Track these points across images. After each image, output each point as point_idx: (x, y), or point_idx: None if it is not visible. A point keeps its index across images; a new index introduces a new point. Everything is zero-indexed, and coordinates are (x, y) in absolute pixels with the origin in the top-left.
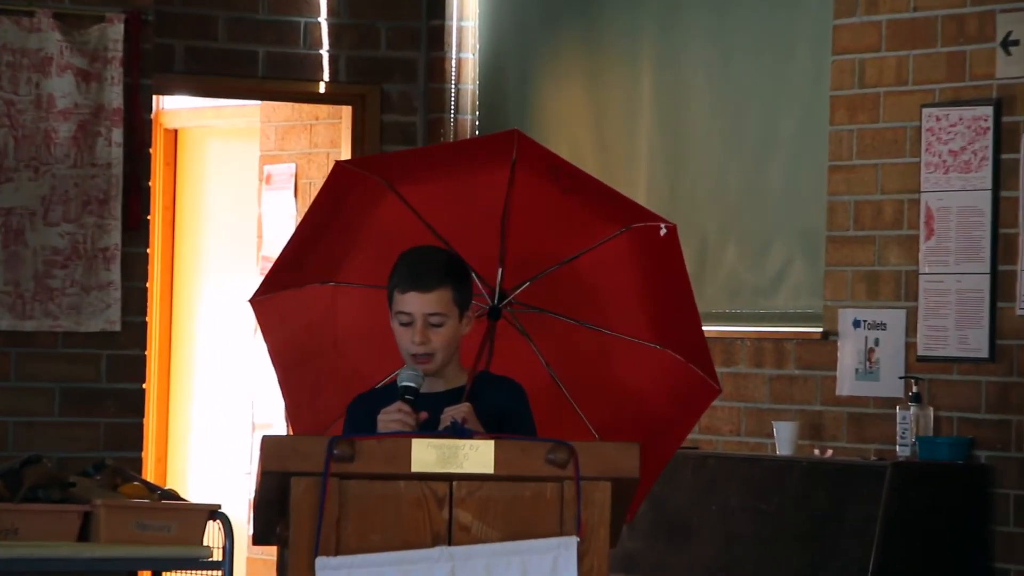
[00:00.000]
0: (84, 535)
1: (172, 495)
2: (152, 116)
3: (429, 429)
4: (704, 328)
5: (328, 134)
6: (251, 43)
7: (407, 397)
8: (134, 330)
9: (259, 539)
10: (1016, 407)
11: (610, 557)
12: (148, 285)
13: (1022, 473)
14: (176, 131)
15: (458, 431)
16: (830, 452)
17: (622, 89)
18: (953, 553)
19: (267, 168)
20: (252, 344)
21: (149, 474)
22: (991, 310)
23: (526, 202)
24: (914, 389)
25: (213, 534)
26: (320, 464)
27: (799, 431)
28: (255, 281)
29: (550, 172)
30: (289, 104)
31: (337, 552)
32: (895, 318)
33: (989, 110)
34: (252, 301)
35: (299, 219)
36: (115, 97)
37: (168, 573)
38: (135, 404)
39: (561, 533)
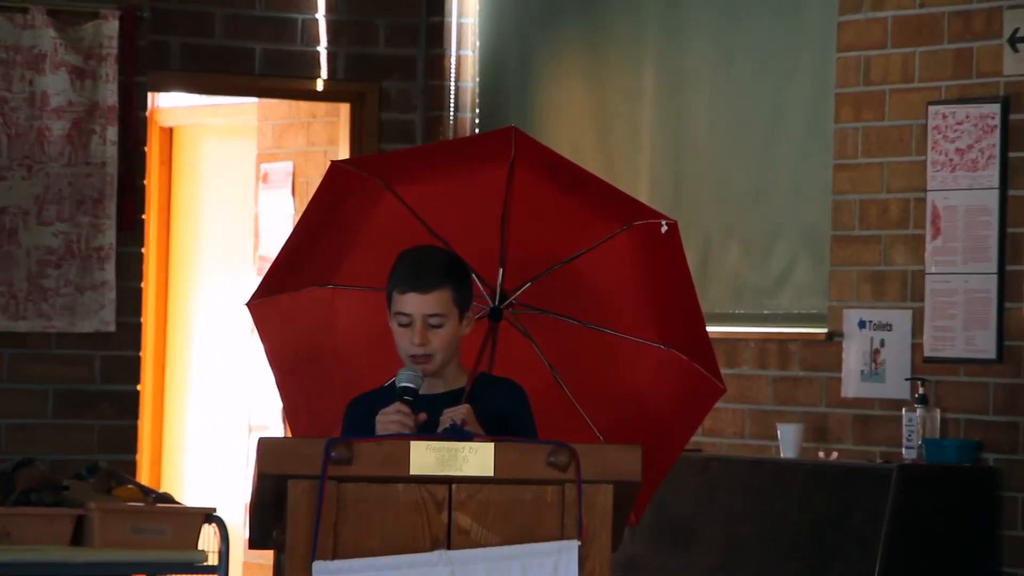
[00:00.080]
0: (77, 539)
1: (167, 498)
2: (147, 114)
3: (428, 431)
4: (707, 328)
5: (326, 132)
6: (248, 40)
7: (406, 398)
8: (129, 331)
9: (255, 543)
10: None
11: (612, 561)
12: (143, 285)
13: None
14: (171, 129)
15: (458, 433)
16: (835, 455)
17: (624, 86)
18: (960, 557)
19: (264, 167)
20: (248, 345)
21: (144, 477)
22: (998, 310)
23: (526, 201)
24: (920, 391)
25: (208, 538)
26: (317, 467)
27: (803, 433)
28: (251, 281)
29: (549, 170)
30: (286, 102)
31: (334, 556)
32: (901, 319)
33: (996, 107)
34: (249, 305)
35: (296, 218)
36: (110, 95)
37: None
38: (130, 406)
39: (562, 537)
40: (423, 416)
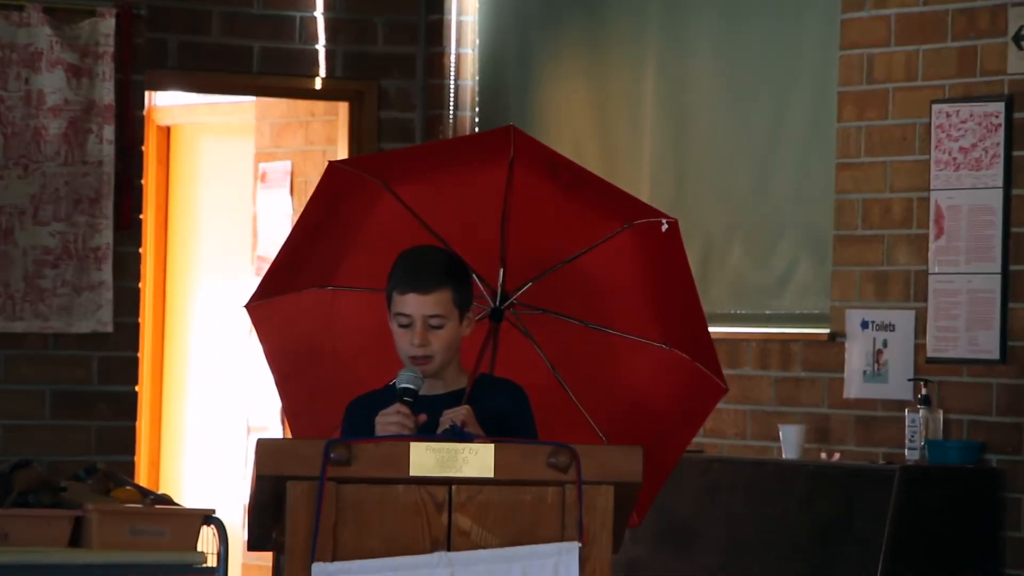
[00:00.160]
0: (75, 541)
1: (165, 500)
2: (144, 113)
3: (428, 432)
4: (708, 329)
5: (324, 131)
6: (246, 38)
7: (406, 399)
8: (126, 331)
9: (254, 545)
10: None
11: (613, 563)
12: (140, 285)
13: None
14: (169, 128)
15: (458, 434)
16: (837, 456)
17: (625, 85)
18: (963, 559)
19: (262, 166)
20: (247, 345)
21: (142, 478)
22: (1002, 311)
23: (526, 200)
24: (923, 391)
25: (207, 539)
26: (316, 468)
27: (806, 434)
28: (250, 281)
29: (548, 168)
30: (284, 100)
31: (334, 558)
32: (904, 319)
33: (1000, 106)
34: (248, 307)
35: (295, 218)
36: (106, 93)
37: None
38: (128, 407)
39: (563, 538)
40: (423, 417)
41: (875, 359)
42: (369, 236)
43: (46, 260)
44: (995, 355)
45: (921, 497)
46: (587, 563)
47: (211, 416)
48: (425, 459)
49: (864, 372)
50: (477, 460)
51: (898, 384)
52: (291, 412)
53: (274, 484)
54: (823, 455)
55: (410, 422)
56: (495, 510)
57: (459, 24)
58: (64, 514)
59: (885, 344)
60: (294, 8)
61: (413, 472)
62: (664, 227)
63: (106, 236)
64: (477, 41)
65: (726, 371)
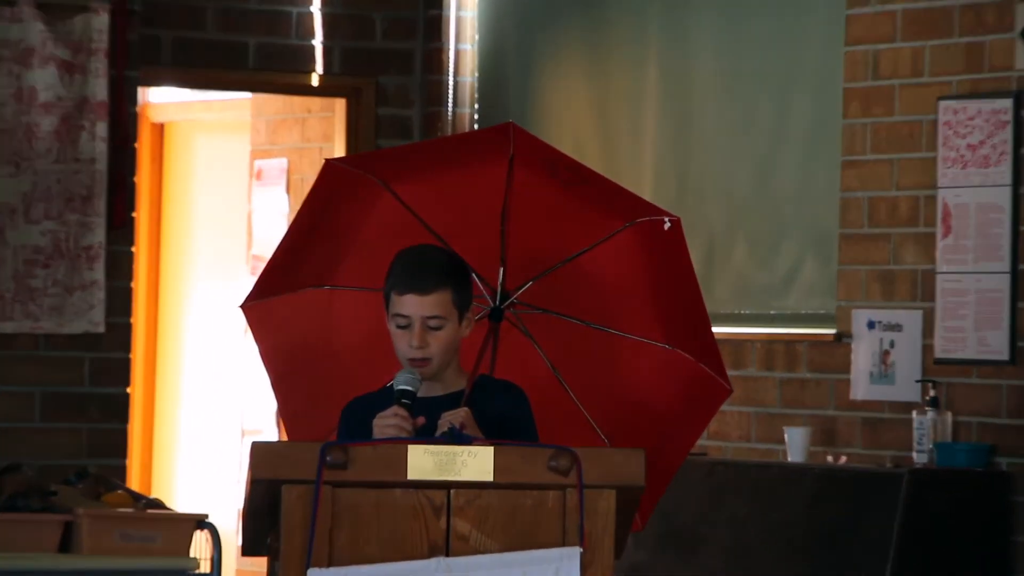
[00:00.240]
0: (66, 546)
1: (157, 504)
2: (138, 110)
3: (426, 435)
4: (712, 329)
5: (321, 128)
6: (241, 34)
7: (404, 401)
8: (118, 332)
9: (248, 550)
10: None
11: (615, 568)
12: (133, 285)
13: None
14: (163, 125)
15: (456, 437)
16: (844, 459)
17: (627, 81)
18: (972, 564)
19: (258, 163)
20: (242, 346)
21: (134, 482)
22: (1011, 310)
23: (526, 198)
24: (931, 393)
25: (200, 545)
26: (312, 471)
27: (811, 437)
28: (245, 281)
29: (549, 166)
30: (280, 97)
31: (330, 563)
32: (911, 319)
33: (1008, 102)
34: (243, 307)
35: (291, 217)
36: (99, 90)
37: None
38: (119, 409)
39: (564, 543)
40: (421, 420)
41: (882, 360)
42: (367, 235)
43: (37, 259)
44: (1004, 356)
45: (929, 501)
46: (589, 568)
47: (205, 419)
48: (423, 462)
49: (871, 373)
50: (476, 463)
51: (906, 385)
52: (287, 414)
53: (269, 488)
54: (829, 458)
55: (408, 424)
56: (494, 514)
57: (458, 19)
58: (54, 519)
59: (892, 345)
60: (290, 3)
61: (411, 475)
62: (667, 225)
63: (98, 235)
64: (476, 37)
65: (730, 372)
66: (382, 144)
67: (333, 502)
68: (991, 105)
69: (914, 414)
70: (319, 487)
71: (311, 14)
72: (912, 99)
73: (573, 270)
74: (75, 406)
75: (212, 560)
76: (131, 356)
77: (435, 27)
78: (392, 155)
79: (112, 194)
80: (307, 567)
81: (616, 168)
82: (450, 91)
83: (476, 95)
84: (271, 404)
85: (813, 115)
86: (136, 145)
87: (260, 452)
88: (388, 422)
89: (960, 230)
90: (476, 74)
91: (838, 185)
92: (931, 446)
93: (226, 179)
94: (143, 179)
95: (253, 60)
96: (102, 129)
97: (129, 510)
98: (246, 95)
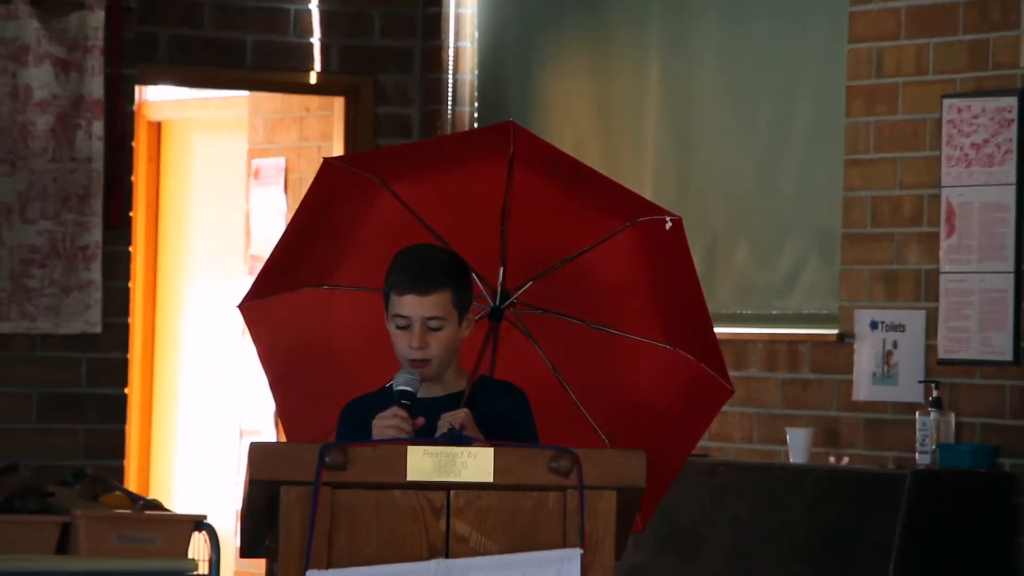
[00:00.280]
0: (63, 548)
1: (155, 505)
2: (135, 108)
3: (426, 436)
4: (714, 329)
5: (319, 126)
6: (238, 31)
7: (403, 402)
8: (116, 332)
9: (247, 551)
10: None
11: (615, 569)
12: (130, 285)
13: None
14: (160, 124)
15: (456, 438)
16: (846, 460)
17: (628, 80)
18: (975, 565)
19: (255, 162)
20: (240, 346)
21: (131, 483)
22: (1015, 311)
23: (526, 197)
24: (935, 394)
25: (199, 546)
26: (311, 472)
27: (814, 438)
28: (243, 281)
29: (549, 165)
30: (278, 95)
31: (329, 565)
32: (914, 319)
33: (1013, 100)
34: (241, 307)
35: (289, 216)
36: (96, 88)
37: None
38: (117, 410)
39: (564, 545)
40: (421, 420)
41: (885, 360)
42: (366, 234)
43: (33, 259)
44: (1008, 356)
45: (932, 502)
46: (589, 570)
47: (203, 419)
48: (423, 463)
49: (874, 374)
50: (476, 464)
51: (909, 386)
52: (285, 415)
53: (267, 489)
54: (831, 459)
55: (407, 425)
56: (494, 516)
57: (458, 17)
58: (51, 520)
59: (895, 345)
60: (288, 1)
61: (410, 476)
62: (668, 225)
63: (95, 234)
64: (476, 34)
65: (732, 372)
66: (381, 143)
67: (332, 503)
68: (995, 103)
69: (917, 415)
70: (318, 488)
71: (309, 11)
72: (916, 97)
73: (574, 270)
74: (72, 407)
75: (210, 561)
76: (128, 356)
77: (434, 24)
78: (391, 154)
79: (109, 193)
80: (306, 569)
81: (617, 167)
82: (449, 89)
83: (476, 93)
84: (270, 405)
85: (815, 113)
86: (133, 144)
87: (259, 453)
88: (387, 423)
89: (964, 229)
90: (476, 72)
91: (841, 184)
92: (934, 447)
93: (224, 178)
94: (140, 178)
95: (251, 58)
96: (98, 128)
97: (127, 511)
98: (244, 93)
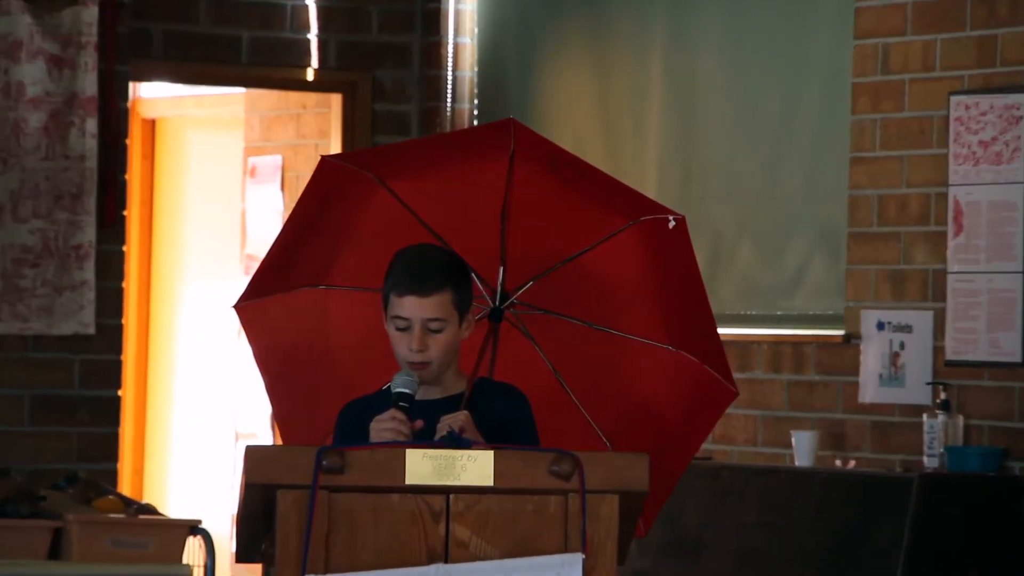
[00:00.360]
0: (55, 552)
1: (149, 510)
2: (129, 105)
3: (425, 438)
4: (718, 330)
5: (316, 124)
6: (234, 27)
7: (401, 404)
8: (109, 333)
9: (242, 556)
10: None
11: (618, 575)
12: (124, 285)
13: None
14: (154, 121)
15: (456, 441)
16: (853, 463)
17: (630, 76)
18: (985, 571)
19: (251, 160)
20: (235, 348)
21: (125, 487)
22: None
23: (526, 196)
24: (942, 396)
25: (193, 551)
26: (308, 476)
27: (819, 441)
28: (239, 281)
29: (550, 163)
30: (275, 92)
31: (326, 570)
32: (922, 320)
33: (1022, 97)
34: (237, 307)
35: (286, 215)
36: (89, 85)
37: None
38: (110, 412)
39: (566, 549)
40: (419, 423)
41: (892, 362)
42: (363, 233)
43: (25, 259)
44: (1017, 358)
45: (940, 506)
46: (591, 575)
47: (198, 422)
48: (421, 467)
49: (880, 375)
50: (476, 468)
51: (916, 388)
52: (281, 418)
53: (263, 493)
54: (838, 462)
55: (406, 428)
56: (495, 520)
57: (457, 12)
58: (43, 525)
59: (902, 346)
60: None
61: (409, 480)
62: (671, 224)
63: (88, 234)
64: (476, 30)
65: (736, 374)
66: (379, 140)
67: (329, 507)
68: (1004, 100)
69: (924, 417)
70: (315, 492)
71: (306, 7)
72: (923, 94)
73: (575, 270)
74: (65, 409)
75: (205, 567)
76: (122, 358)
77: (433, 20)
78: (389, 151)
79: (102, 192)
80: (303, 574)
81: (619, 165)
82: (449, 86)
83: (475, 90)
84: (266, 407)
85: (821, 110)
86: (127, 141)
87: (254, 456)
88: (385, 425)
89: (972, 229)
90: (475, 68)
91: (846, 183)
92: (942, 450)
93: (219, 176)
94: (134, 176)
95: (246, 54)
96: (92, 125)
97: (120, 516)
98: (239, 90)
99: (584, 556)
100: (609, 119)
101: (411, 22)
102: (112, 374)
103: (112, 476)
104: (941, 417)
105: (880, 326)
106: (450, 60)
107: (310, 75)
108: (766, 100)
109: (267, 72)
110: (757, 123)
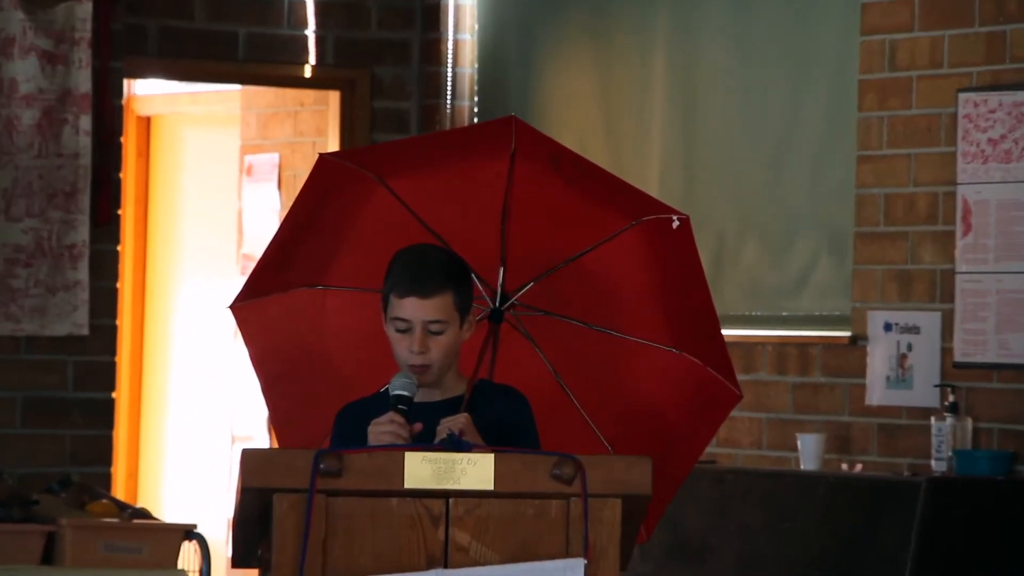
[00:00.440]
0: (48, 558)
1: (144, 514)
2: (123, 102)
3: (424, 442)
4: (722, 331)
5: (314, 121)
6: (230, 23)
7: (400, 407)
8: (103, 334)
9: (239, 561)
10: None
11: None
12: (119, 285)
13: None
14: (149, 118)
15: (455, 444)
16: (859, 467)
17: (632, 73)
18: (992, 575)
19: (248, 158)
20: (232, 349)
21: (119, 491)
22: None
23: (527, 195)
24: (950, 398)
25: (189, 556)
26: (305, 480)
27: (825, 444)
28: (235, 281)
29: (551, 162)
30: (272, 89)
31: (323, 575)
32: (930, 321)
33: None
34: (233, 307)
35: (283, 214)
36: (83, 81)
37: None
38: (104, 415)
39: (567, 554)
40: (418, 426)
41: (899, 364)
42: (362, 233)
43: (18, 258)
44: None
45: (948, 510)
46: None
47: (193, 425)
48: (421, 470)
49: (887, 377)
50: (476, 471)
51: (923, 390)
52: (278, 420)
53: (260, 497)
54: (844, 466)
55: (405, 431)
56: (495, 524)
57: (457, 8)
58: (36, 529)
59: (910, 348)
60: None
61: (408, 484)
62: (675, 224)
63: (82, 233)
64: (476, 26)
65: (740, 376)
66: (378, 138)
67: (327, 511)
68: (1013, 97)
69: (932, 420)
70: (312, 496)
71: (303, 2)
72: (930, 91)
73: (576, 270)
74: (58, 411)
75: (201, 572)
76: (116, 359)
77: (433, 16)
78: (388, 149)
79: (96, 190)
80: None
81: (621, 163)
82: (449, 83)
83: (476, 87)
84: (262, 409)
85: (827, 108)
86: (121, 139)
87: (251, 460)
88: (384, 428)
89: (980, 228)
90: (476, 65)
91: (853, 181)
92: (950, 453)
93: (215, 175)
94: (128, 175)
95: (243, 51)
96: (86, 123)
97: (114, 520)
98: (236, 87)
99: (586, 561)
100: (611, 117)
101: (410, 18)
102: (106, 376)
103: (106, 479)
104: (949, 420)
105: (887, 327)
106: (450, 56)
107: (308, 72)
108: (771, 97)
109: (264, 69)
110: (762, 121)
